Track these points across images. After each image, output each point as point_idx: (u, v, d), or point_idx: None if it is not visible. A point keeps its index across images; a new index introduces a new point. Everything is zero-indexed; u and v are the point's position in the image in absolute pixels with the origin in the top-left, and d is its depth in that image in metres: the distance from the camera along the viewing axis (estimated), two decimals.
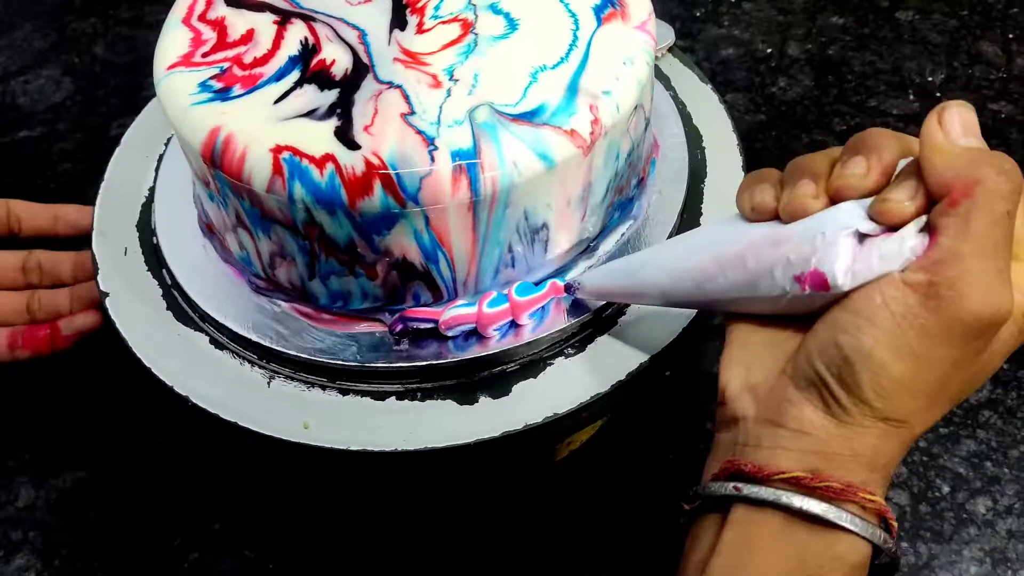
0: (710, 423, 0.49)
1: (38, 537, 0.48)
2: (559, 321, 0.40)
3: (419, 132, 0.35)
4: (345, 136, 0.35)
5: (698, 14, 0.75)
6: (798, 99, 0.68)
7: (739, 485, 0.30)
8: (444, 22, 0.39)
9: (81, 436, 0.52)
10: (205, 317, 0.41)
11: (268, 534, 0.48)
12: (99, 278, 0.44)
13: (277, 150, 0.35)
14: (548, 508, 0.49)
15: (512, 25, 0.39)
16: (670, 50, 0.52)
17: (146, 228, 0.46)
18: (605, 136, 0.37)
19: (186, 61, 0.39)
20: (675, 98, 0.49)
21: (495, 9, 0.40)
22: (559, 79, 0.37)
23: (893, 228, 0.29)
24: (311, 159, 0.35)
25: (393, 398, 0.39)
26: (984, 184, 0.28)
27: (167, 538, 0.48)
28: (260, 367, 0.40)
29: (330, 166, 0.35)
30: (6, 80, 0.71)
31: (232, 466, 0.50)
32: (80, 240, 0.50)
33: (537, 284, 0.40)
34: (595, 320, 0.40)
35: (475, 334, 0.39)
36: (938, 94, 0.67)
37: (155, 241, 0.44)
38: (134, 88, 0.70)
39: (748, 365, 0.33)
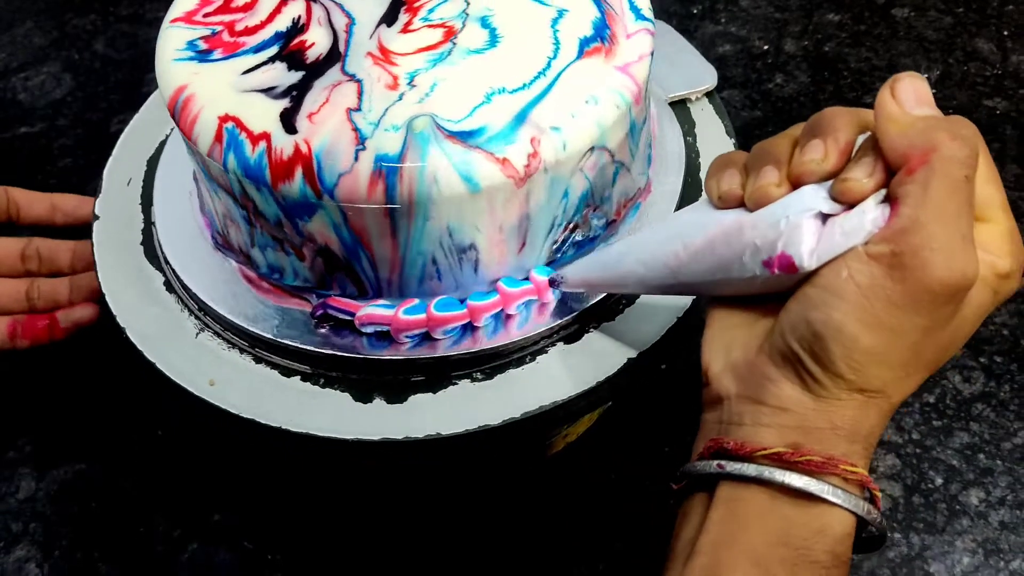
0: None
1: (38, 528, 0.49)
2: (475, 344, 0.39)
3: (355, 129, 0.36)
4: (288, 119, 0.36)
5: (695, 11, 0.75)
6: (794, 95, 0.68)
7: (722, 463, 0.31)
8: (431, 26, 0.39)
9: (81, 428, 0.53)
10: (166, 259, 0.44)
11: (267, 526, 0.49)
12: (97, 200, 0.47)
13: (224, 119, 0.37)
14: (543, 500, 0.50)
15: (493, 42, 0.39)
16: (709, 95, 0.49)
17: (154, 164, 0.48)
18: (545, 172, 0.36)
19: (188, 18, 0.41)
20: (691, 145, 0.47)
21: (484, 22, 0.39)
22: (511, 105, 0.36)
23: (855, 205, 0.29)
24: (249, 134, 0.36)
25: (298, 377, 0.40)
26: (940, 151, 0.28)
27: (167, 529, 0.49)
28: (195, 317, 0.42)
29: (263, 144, 0.36)
30: (7, 76, 0.72)
31: (231, 458, 0.51)
32: (79, 230, 0.52)
33: (462, 302, 0.39)
34: (510, 351, 0.40)
35: (389, 337, 0.40)
36: (934, 91, 0.65)
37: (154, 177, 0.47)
38: (134, 84, 0.71)
39: (728, 345, 0.33)
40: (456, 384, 0.39)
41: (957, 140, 0.28)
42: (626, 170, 0.41)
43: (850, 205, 0.30)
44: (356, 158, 0.35)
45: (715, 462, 0.31)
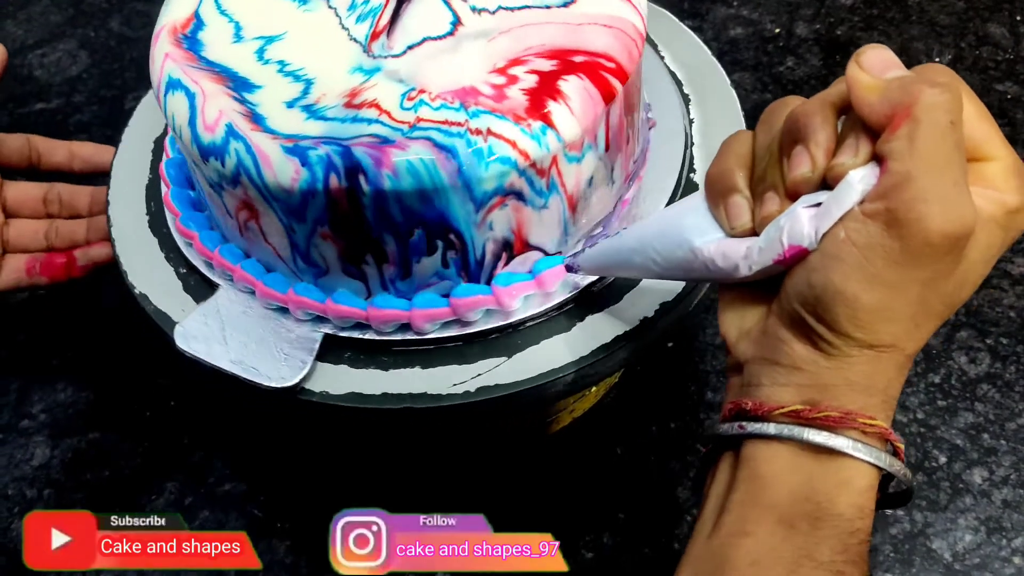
0: (711, 393, 0.53)
1: (52, 495, 0.51)
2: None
3: None
4: None
5: None
6: (805, 78, 0.68)
7: (743, 424, 0.32)
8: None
9: (95, 398, 0.54)
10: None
11: (276, 495, 0.50)
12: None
13: None
14: (552, 471, 0.51)
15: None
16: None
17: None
18: None
19: None
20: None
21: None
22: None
23: None
24: None
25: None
26: (920, 101, 0.28)
27: (178, 498, 0.50)
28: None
29: None
30: (23, 53, 0.73)
31: (242, 429, 0.53)
32: (98, 176, 0.53)
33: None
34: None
35: None
36: None
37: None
38: (149, 62, 0.72)
39: (741, 313, 0.34)
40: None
41: (936, 87, 0.28)
42: None
43: None
44: None
45: (736, 423, 0.32)
